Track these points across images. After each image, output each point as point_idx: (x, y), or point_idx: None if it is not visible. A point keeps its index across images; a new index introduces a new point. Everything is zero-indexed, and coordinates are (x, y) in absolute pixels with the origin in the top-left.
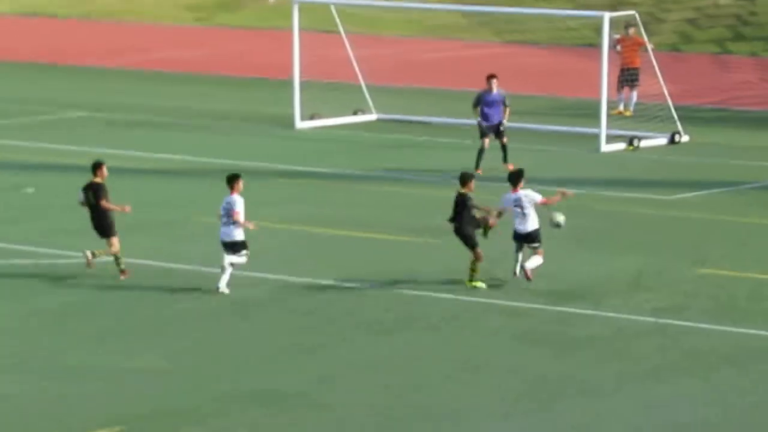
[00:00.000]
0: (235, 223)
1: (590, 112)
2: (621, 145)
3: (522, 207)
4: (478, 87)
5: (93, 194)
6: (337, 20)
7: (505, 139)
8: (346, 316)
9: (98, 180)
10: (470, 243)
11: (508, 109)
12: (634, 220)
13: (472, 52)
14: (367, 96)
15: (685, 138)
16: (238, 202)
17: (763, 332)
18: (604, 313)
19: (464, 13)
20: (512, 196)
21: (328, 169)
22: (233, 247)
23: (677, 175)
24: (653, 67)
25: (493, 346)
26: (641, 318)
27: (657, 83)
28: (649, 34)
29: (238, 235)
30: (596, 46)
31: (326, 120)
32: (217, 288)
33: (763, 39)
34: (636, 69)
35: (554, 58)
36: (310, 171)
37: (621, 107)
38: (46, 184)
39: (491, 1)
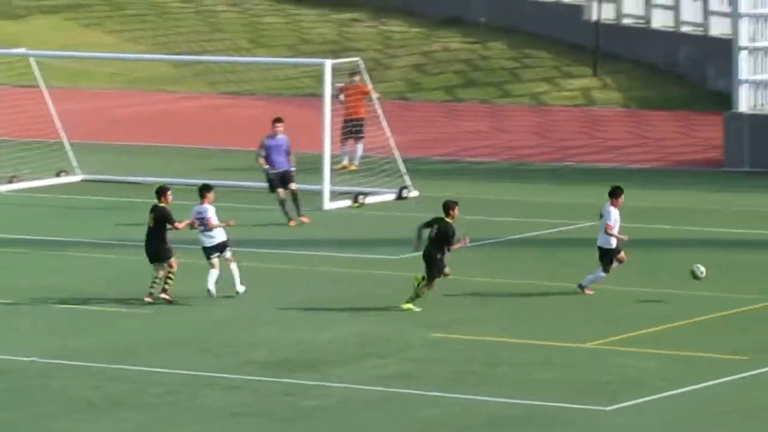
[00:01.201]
0: (211, 229)
1: (312, 167)
2: (346, 202)
3: None
4: (193, 142)
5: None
6: (37, 74)
7: (293, 186)
8: (46, 394)
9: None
10: (435, 270)
11: (292, 157)
12: (360, 282)
13: (185, 104)
14: (71, 155)
15: (414, 193)
16: (210, 210)
17: (498, 399)
18: (329, 383)
19: (175, 64)
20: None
21: (31, 236)
22: (219, 247)
23: (405, 232)
24: (379, 117)
25: (211, 423)
26: (368, 387)
27: (383, 134)
28: (375, 81)
29: (220, 236)
30: (318, 95)
31: (27, 182)
32: (208, 291)
33: (494, 85)
34: (361, 119)
35: (273, 109)
36: (10, 238)
37: (345, 161)
38: None
39: (204, 51)
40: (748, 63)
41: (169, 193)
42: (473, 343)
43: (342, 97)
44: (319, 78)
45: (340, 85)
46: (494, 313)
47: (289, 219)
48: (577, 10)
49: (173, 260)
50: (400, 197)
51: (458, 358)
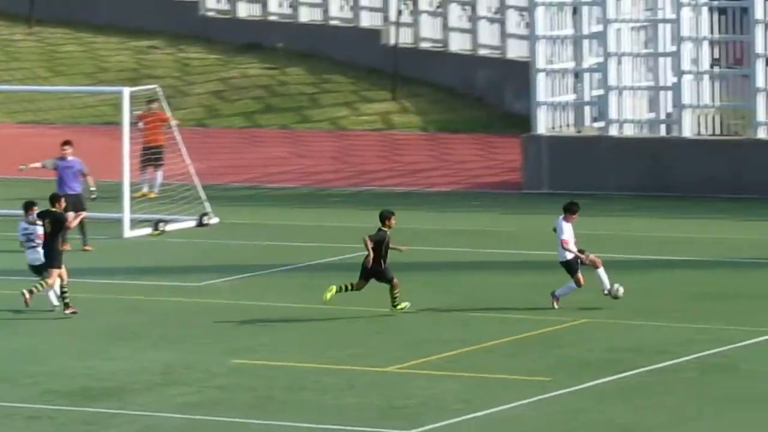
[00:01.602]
0: (38, 246)
1: (112, 195)
2: (146, 230)
3: None
4: None
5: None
6: None
7: (83, 213)
8: None
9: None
10: (388, 276)
11: (89, 178)
12: (163, 310)
13: None
14: None
15: (214, 220)
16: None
17: (302, 424)
18: (131, 412)
19: None
20: None
21: None
22: (39, 270)
23: (206, 260)
24: (178, 144)
25: None
26: (171, 415)
27: (183, 161)
28: (174, 108)
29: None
30: (117, 123)
31: None
32: (54, 307)
33: (293, 110)
34: (160, 147)
35: (71, 138)
36: None
37: (145, 188)
38: None
39: (1, 80)
40: (546, 85)
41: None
42: (276, 369)
43: (141, 124)
44: (117, 106)
45: (138, 112)
46: (297, 338)
47: (84, 244)
48: (375, 34)
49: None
50: (200, 224)
51: (261, 385)
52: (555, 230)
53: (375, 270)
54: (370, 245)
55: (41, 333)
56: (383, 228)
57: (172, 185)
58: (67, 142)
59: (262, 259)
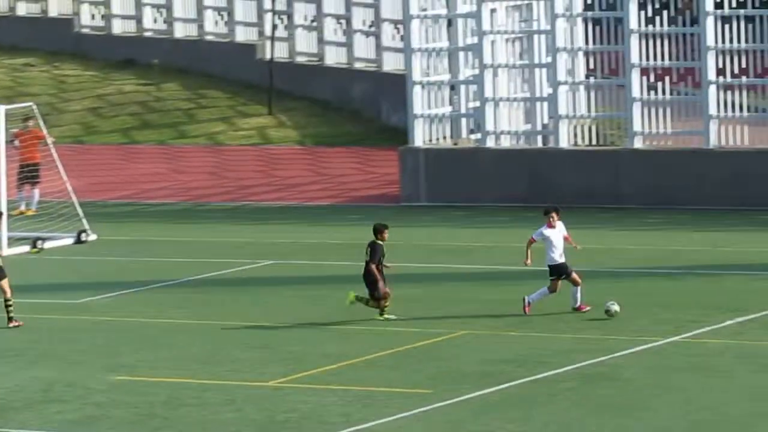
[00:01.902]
0: None
1: None
2: (24, 248)
3: None
4: None
5: None
6: None
7: None
8: None
9: None
10: (376, 286)
11: None
12: (42, 328)
13: None
14: None
15: (92, 236)
16: None
17: None
18: (10, 429)
19: None
20: None
21: None
22: None
23: (85, 276)
24: (55, 161)
25: None
26: None
27: (60, 179)
28: (50, 126)
29: None
30: None
31: None
32: None
33: (170, 126)
34: (37, 164)
35: None
36: None
37: (23, 206)
38: None
39: None
40: (422, 98)
41: None
42: (156, 385)
43: (17, 142)
44: None
45: (14, 130)
46: (177, 354)
47: None
48: (251, 49)
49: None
50: (78, 241)
51: (141, 401)
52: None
53: (365, 277)
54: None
55: None
56: (377, 241)
57: (49, 203)
58: None
59: (142, 275)
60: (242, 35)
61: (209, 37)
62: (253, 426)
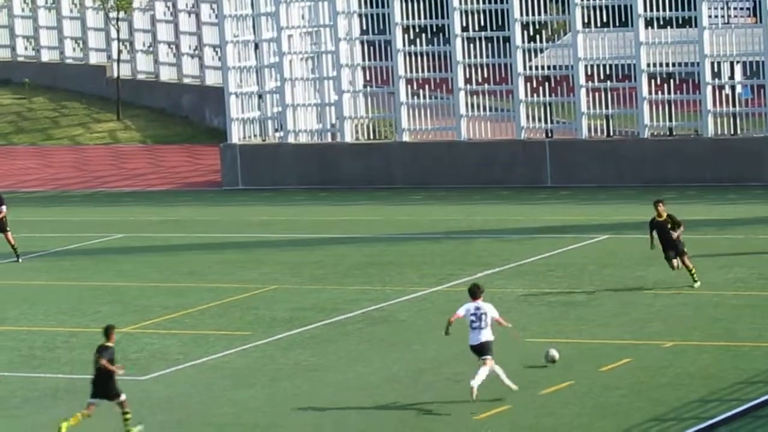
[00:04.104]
0: None
1: None
2: None
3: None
4: None
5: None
6: None
7: None
8: None
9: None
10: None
11: None
12: None
13: None
14: None
15: None
16: None
17: (59, 375)
18: None
19: None
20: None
21: None
22: None
23: None
24: None
25: None
26: None
27: None
28: None
29: None
30: None
31: None
32: None
33: (40, 130)
34: None
35: None
36: None
37: None
38: None
39: None
40: (237, 105)
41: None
42: (34, 333)
43: None
44: None
45: None
46: (49, 309)
47: None
48: (102, 69)
49: None
50: None
51: (23, 346)
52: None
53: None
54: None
55: None
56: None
57: None
58: None
59: (20, 248)
60: (95, 59)
61: (69, 61)
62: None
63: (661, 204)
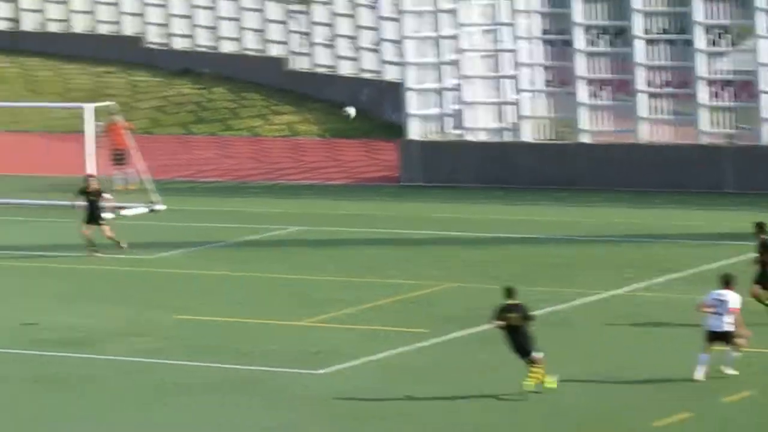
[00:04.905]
0: None
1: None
2: (109, 215)
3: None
4: None
5: None
6: None
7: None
8: None
9: None
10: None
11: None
12: (123, 277)
13: None
14: None
15: (161, 207)
16: None
17: (231, 366)
18: (101, 356)
19: None
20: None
21: None
22: None
23: (156, 237)
24: (133, 148)
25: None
26: (130, 359)
27: (138, 161)
28: (127, 119)
29: None
30: (82, 131)
31: None
32: None
33: (219, 121)
34: (123, 150)
35: (48, 143)
36: None
37: (119, 183)
38: None
39: None
40: (415, 101)
41: None
42: (210, 323)
43: (100, 130)
44: (81, 118)
45: (103, 123)
46: (225, 299)
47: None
48: (281, 61)
49: None
50: (151, 210)
51: (198, 335)
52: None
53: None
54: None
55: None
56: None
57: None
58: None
59: (199, 237)
60: (274, 51)
61: (248, 52)
62: (291, 355)
63: None
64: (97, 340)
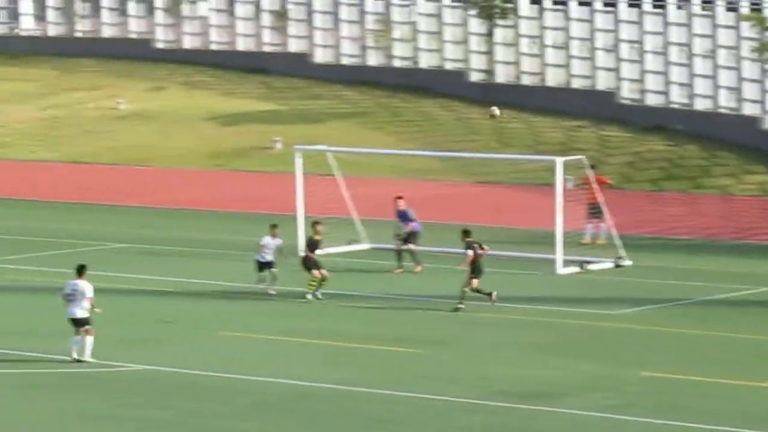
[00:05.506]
0: (78, 302)
1: (546, 240)
2: (574, 269)
3: None
4: (453, 220)
5: None
6: (334, 165)
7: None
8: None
9: None
10: None
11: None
12: (580, 331)
13: (446, 190)
14: (360, 228)
15: (628, 262)
16: (89, 288)
17: (704, 426)
18: (565, 410)
19: (440, 158)
20: None
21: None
22: (79, 323)
23: (622, 293)
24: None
25: None
26: (594, 414)
27: (606, 216)
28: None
29: (81, 313)
30: (551, 184)
31: (327, 249)
32: (76, 359)
33: (690, 178)
34: (598, 204)
35: (516, 195)
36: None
37: (588, 237)
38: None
39: (462, 149)
40: None
41: None
42: (677, 382)
43: (571, 184)
44: (551, 171)
45: (570, 177)
46: (701, 356)
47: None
48: (756, 121)
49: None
50: (617, 266)
51: (665, 393)
52: None
53: None
54: None
55: (475, 347)
56: None
57: (594, 234)
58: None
59: (666, 294)
60: (748, 110)
61: (722, 110)
62: (743, 418)
63: None
64: (561, 395)
